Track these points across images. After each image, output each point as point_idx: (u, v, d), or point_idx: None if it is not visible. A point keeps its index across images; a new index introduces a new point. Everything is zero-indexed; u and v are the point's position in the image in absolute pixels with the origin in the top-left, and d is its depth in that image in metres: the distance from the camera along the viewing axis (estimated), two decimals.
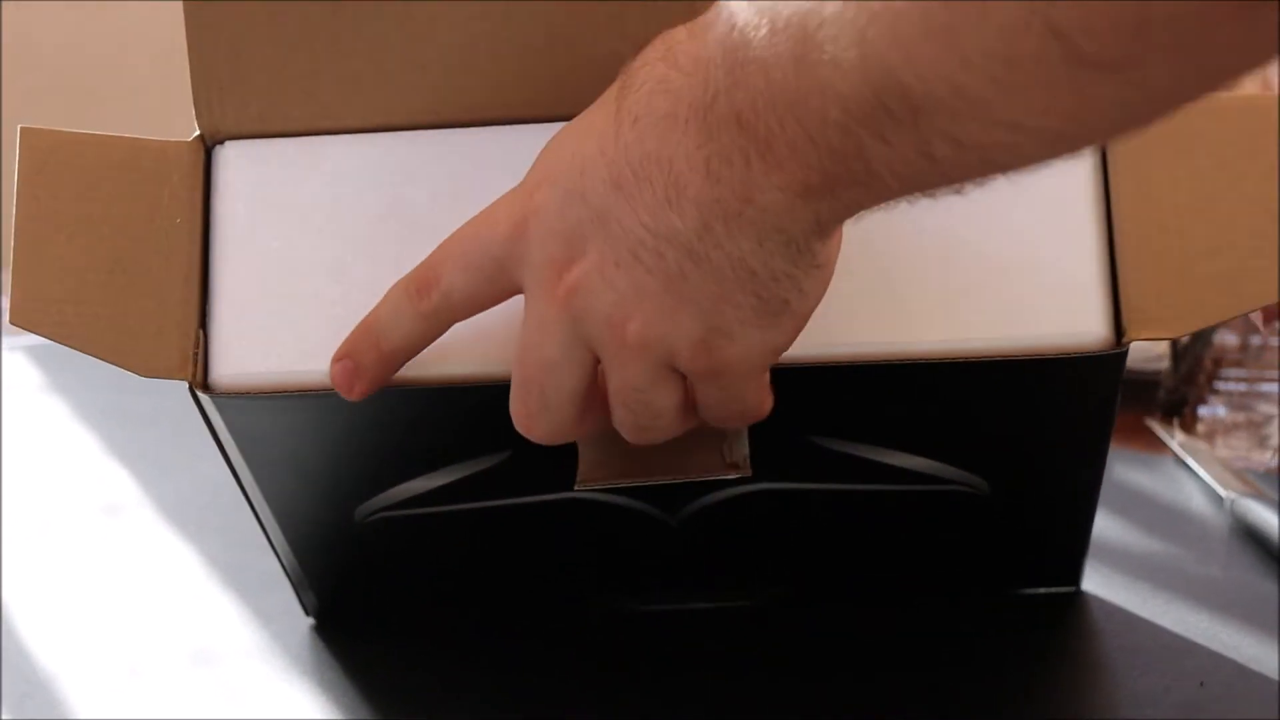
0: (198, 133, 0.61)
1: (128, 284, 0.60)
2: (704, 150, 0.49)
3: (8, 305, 0.60)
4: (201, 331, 0.60)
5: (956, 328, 0.58)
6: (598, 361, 0.54)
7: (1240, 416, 0.93)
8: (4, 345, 1.05)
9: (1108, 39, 0.41)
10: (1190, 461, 0.89)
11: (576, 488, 0.59)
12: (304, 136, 0.61)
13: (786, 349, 0.53)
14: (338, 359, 0.57)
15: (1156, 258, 0.58)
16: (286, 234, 0.60)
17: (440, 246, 0.56)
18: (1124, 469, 0.90)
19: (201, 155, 0.61)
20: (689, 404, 0.55)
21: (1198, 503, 0.86)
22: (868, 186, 0.48)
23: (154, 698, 0.69)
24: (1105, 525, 0.84)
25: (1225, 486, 0.85)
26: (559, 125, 0.54)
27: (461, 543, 0.70)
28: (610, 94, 0.53)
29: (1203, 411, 0.94)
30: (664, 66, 0.51)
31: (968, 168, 0.47)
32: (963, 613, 0.73)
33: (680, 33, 0.51)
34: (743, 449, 0.59)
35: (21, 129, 0.61)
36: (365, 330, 0.57)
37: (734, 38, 0.48)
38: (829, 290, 0.53)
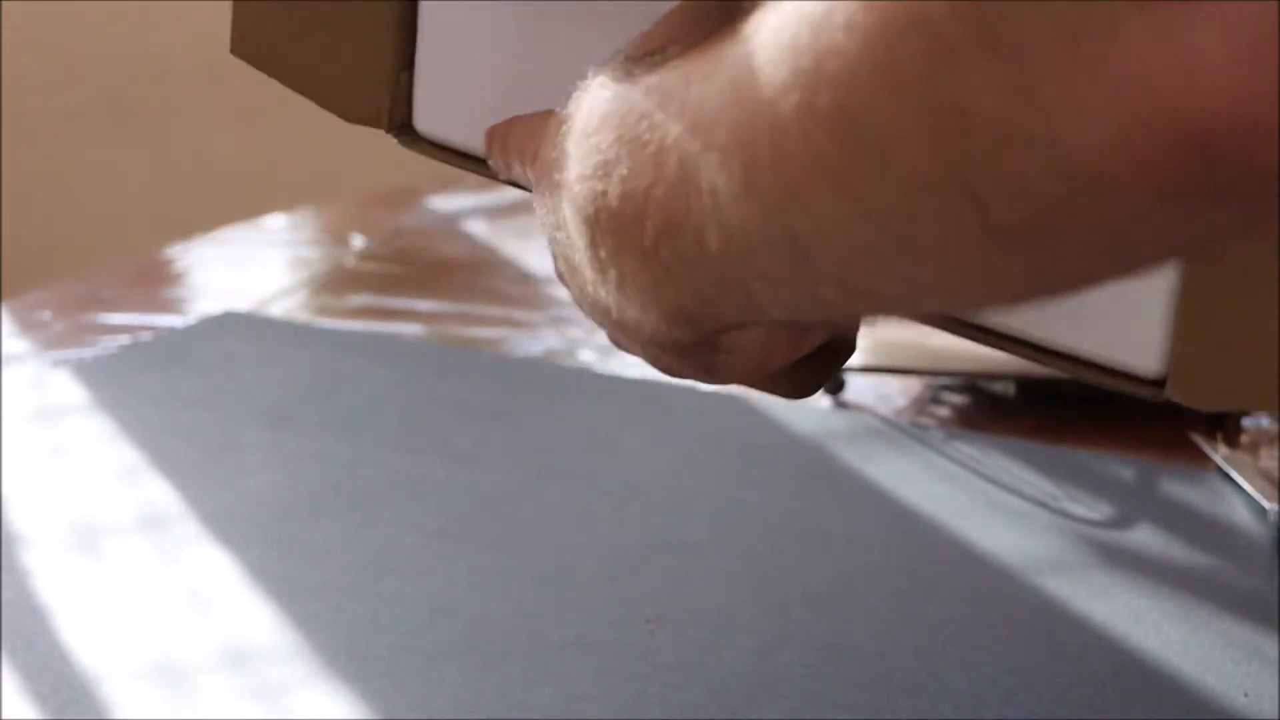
0: None
1: (339, 20, 0.57)
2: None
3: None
4: (406, 74, 0.58)
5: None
6: None
7: None
8: (48, 360, 1.06)
9: (1025, 207, 0.37)
10: (1234, 474, 0.89)
11: None
12: None
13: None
14: (491, 137, 0.57)
15: (1210, 324, 0.54)
16: None
17: None
18: (1168, 483, 0.89)
19: None
20: None
21: (1241, 515, 0.86)
22: (748, 313, 0.46)
23: (198, 702, 0.69)
24: (1148, 538, 0.83)
25: (1269, 499, 0.85)
26: None
27: None
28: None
29: (1246, 423, 0.93)
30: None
31: (856, 312, 0.45)
32: None
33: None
34: None
35: None
36: (519, 149, 0.55)
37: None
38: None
